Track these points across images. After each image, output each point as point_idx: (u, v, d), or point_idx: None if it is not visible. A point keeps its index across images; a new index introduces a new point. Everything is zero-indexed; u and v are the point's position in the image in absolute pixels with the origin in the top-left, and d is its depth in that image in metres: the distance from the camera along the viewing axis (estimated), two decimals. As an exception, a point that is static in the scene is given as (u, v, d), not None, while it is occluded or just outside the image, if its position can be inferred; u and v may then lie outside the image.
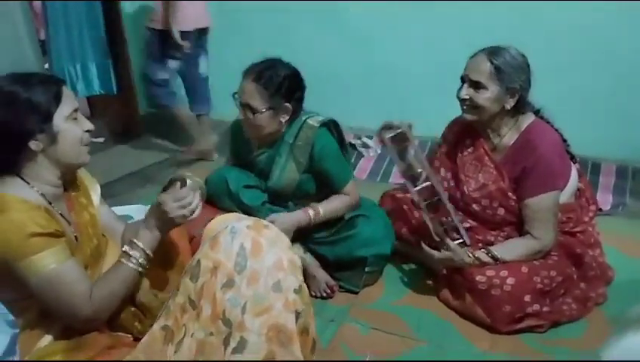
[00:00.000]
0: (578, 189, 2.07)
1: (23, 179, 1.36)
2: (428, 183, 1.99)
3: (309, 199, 2.13)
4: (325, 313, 2.01)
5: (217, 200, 2.12)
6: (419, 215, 2.23)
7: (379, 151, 3.42)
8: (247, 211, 2.07)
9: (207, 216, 1.73)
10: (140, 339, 1.37)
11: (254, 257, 1.30)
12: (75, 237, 1.43)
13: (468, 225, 2.07)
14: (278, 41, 3.34)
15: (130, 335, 1.49)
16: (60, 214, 1.41)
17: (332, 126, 2.13)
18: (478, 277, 1.89)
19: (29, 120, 1.31)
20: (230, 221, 1.42)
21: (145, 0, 3.02)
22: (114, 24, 3.52)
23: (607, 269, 2.11)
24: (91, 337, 1.39)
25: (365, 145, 3.47)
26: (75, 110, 1.39)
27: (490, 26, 2.98)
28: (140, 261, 1.41)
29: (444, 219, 2.02)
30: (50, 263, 1.28)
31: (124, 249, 1.42)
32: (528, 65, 1.93)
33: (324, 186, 2.12)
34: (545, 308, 1.88)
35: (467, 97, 1.93)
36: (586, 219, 2.08)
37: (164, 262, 1.60)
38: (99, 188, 1.62)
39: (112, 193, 2.73)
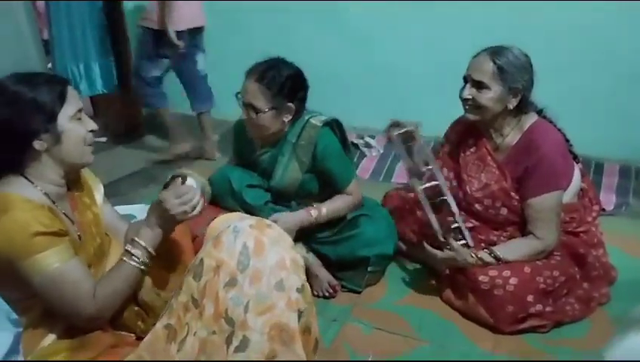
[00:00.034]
0: (581, 189, 2.07)
1: (26, 178, 1.37)
2: (434, 183, 1.99)
3: (311, 199, 2.13)
4: (328, 312, 2.01)
5: (220, 199, 2.13)
6: (421, 215, 2.23)
7: (381, 151, 3.42)
8: (250, 211, 2.07)
9: (210, 216, 1.74)
10: (143, 338, 1.37)
11: (257, 256, 1.30)
12: (79, 236, 1.44)
13: (470, 224, 2.07)
14: (280, 40, 3.35)
15: (133, 334, 1.50)
16: (64, 213, 1.41)
17: (335, 125, 2.13)
18: (481, 277, 1.89)
19: (33, 119, 1.32)
20: (233, 220, 1.42)
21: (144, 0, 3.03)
22: (116, 24, 3.52)
23: (610, 269, 2.10)
24: (94, 336, 1.39)
25: (368, 145, 3.47)
26: (80, 110, 1.40)
27: (492, 25, 2.98)
28: (141, 259, 1.41)
29: (448, 218, 2.01)
30: (54, 262, 1.29)
31: (126, 247, 1.43)
32: (531, 65, 1.92)
33: (327, 186, 2.12)
34: (548, 308, 1.88)
35: (470, 97, 1.93)
36: (589, 219, 2.08)
37: (167, 261, 1.61)
38: (102, 187, 1.63)
39: (115, 192, 2.73)
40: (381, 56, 3.50)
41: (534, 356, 1.82)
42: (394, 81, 3.51)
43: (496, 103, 1.91)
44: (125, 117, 3.77)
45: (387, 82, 3.54)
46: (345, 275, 2.15)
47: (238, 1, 3.68)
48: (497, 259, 1.91)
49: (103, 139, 3.62)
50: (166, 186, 1.51)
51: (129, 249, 1.41)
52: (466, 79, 1.96)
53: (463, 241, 1.98)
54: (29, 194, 1.33)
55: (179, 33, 3.06)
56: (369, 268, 2.11)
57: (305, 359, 1.31)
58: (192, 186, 1.46)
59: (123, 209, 2.25)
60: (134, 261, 1.40)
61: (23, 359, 1.42)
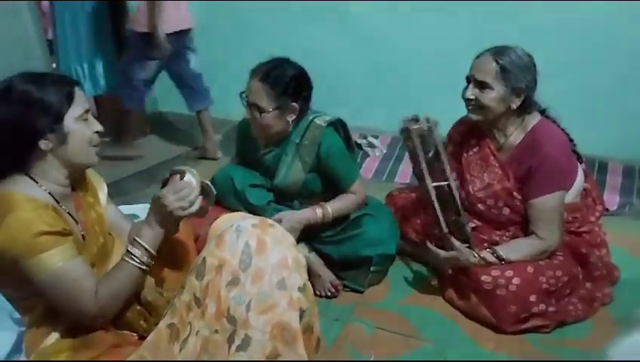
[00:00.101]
0: (584, 189, 2.07)
1: (31, 178, 1.37)
2: (444, 183, 1.97)
3: (314, 198, 2.13)
4: (330, 312, 2.01)
5: (223, 199, 2.13)
6: (424, 215, 2.23)
7: (384, 151, 3.42)
8: (253, 210, 2.07)
9: (213, 215, 1.74)
10: (146, 338, 1.37)
11: (259, 255, 1.30)
12: (83, 235, 1.44)
13: (473, 224, 2.06)
14: (284, 40, 3.36)
15: (135, 334, 1.50)
16: (68, 213, 1.41)
17: (339, 125, 2.13)
18: (484, 277, 1.89)
19: (40, 119, 1.32)
20: (236, 220, 1.43)
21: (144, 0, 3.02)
22: (120, 24, 3.52)
23: (613, 269, 2.10)
24: (97, 335, 1.40)
25: (371, 145, 3.46)
26: (87, 111, 1.40)
27: (496, 25, 2.98)
28: (142, 259, 1.41)
29: (453, 218, 2.01)
30: (58, 261, 1.29)
31: (127, 247, 1.43)
32: (534, 65, 1.92)
33: (331, 185, 2.12)
34: (550, 308, 1.88)
35: (473, 97, 1.93)
36: (592, 218, 2.07)
37: (169, 260, 1.61)
38: (106, 187, 1.63)
39: (118, 192, 2.73)
40: (385, 57, 3.50)
41: (537, 356, 1.82)
42: (397, 82, 3.51)
43: (499, 103, 1.91)
44: (129, 116, 3.77)
45: (390, 82, 3.54)
46: (347, 275, 2.15)
47: (243, 1, 3.68)
48: (500, 258, 1.91)
49: (106, 139, 3.63)
50: (165, 183, 1.51)
51: (130, 249, 1.42)
52: (468, 79, 1.96)
53: (467, 245, 1.98)
54: (34, 194, 1.33)
55: (168, 36, 3.05)
56: (372, 268, 2.11)
57: (306, 358, 1.31)
58: (190, 182, 1.45)
59: (126, 208, 2.25)
60: (135, 261, 1.40)
61: (25, 358, 1.43)
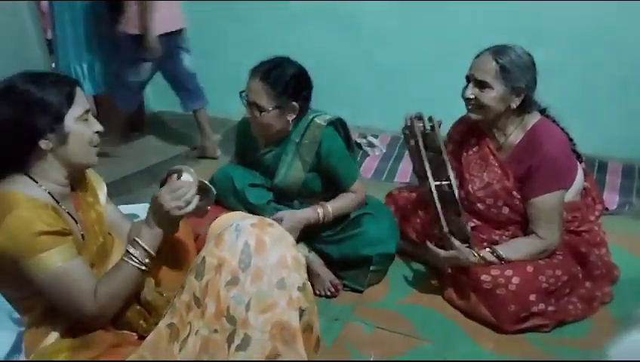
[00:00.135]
0: (584, 188, 2.07)
1: (31, 177, 1.37)
2: (446, 182, 1.97)
3: (314, 198, 2.13)
4: (329, 312, 2.01)
5: (223, 198, 2.12)
6: (424, 214, 2.23)
7: (384, 151, 3.42)
8: (253, 210, 2.07)
9: (213, 215, 1.74)
10: (145, 337, 1.37)
11: (258, 254, 1.30)
12: (82, 235, 1.44)
13: (473, 224, 2.06)
14: (285, 39, 3.36)
15: (135, 334, 1.50)
16: (67, 213, 1.41)
17: (339, 125, 2.13)
18: (483, 277, 1.89)
19: (40, 119, 1.32)
20: (235, 219, 1.43)
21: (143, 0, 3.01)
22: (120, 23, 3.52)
23: (612, 268, 2.10)
24: (97, 335, 1.40)
25: (371, 145, 3.46)
26: (87, 111, 1.40)
27: (496, 25, 2.98)
28: (142, 260, 1.41)
29: (453, 218, 2.01)
30: (57, 261, 1.29)
31: (127, 248, 1.43)
32: (534, 64, 1.92)
33: (331, 185, 2.12)
34: (550, 308, 1.88)
35: (472, 97, 1.93)
36: (592, 218, 2.07)
37: (169, 260, 1.61)
38: (105, 186, 1.63)
39: (117, 192, 2.73)
40: (385, 56, 3.49)
41: (536, 355, 1.82)
42: (397, 81, 3.51)
43: (498, 103, 1.91)
44: (128, 116, 3.77)
45: (390, 82, 3.54)
46: (347, 274, 2.15)
47: (244, 1, 3.67)
48: (500, 258, 1.91)
49: (106, 138, 3.63)
50: (164, 183, 1.51)
51: (129, 249, 1.42)
52: (468, 78, 1.96)
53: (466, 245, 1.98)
54: (34, 193, 1.33)
55: (158, 37, 3.03)
56: (371, 267, 2.11)
57: (306, 358, 1.31)
58: (186, 181, 1.45)
59: (126, 208, 2.25)
60: (134, 262, 1.40)
61: (25, 358, 1.43)
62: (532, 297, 1.85)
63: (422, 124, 1.99)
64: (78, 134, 1.38)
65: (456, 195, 1.94)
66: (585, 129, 2.17)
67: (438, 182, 1.96)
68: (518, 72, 1.88)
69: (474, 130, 2.09)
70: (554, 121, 2.00)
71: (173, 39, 3.14)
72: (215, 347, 1.28)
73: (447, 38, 3.29)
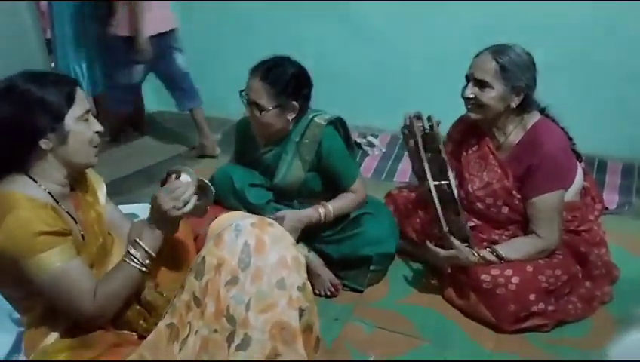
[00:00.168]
0: (584, 188, 2.07)
1: (31, 177, 1.37)
2: (445, 182, 1.97)
3: (314, 197, 2.13)
4: (329, 312, 2.01)
5: (222, 198, 2.12)
6: (424, 214, 2.23)
7: (384, 150, 3.42)
8: (253, 210, 2.07)
9: (212, 215, 1.74)
10: (145, 337, 1.37)
11: (258, 254, 1.30)
12: (82, 235, 1.44)
13: (472, 223, 2.06)
14: (285, 39, 3.34)
15: (135, 334, 1.50)
16: (67, 213, 1.41)
17: (339, 124, 2.13)
18: (483, 276, 1.89)
19: (40, 119, 1.32)
20: (235, 219, 1.43)
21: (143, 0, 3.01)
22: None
23: (612, 268, 2.10)
24: (97, 335, 1.40)
25: (370, 144, 3.46)
26: (87, 111, 1.40)
27: (497, 24, 2.97)
28: (142, 261, 1.41)
29: (452, 217, 2.01)
30: (56, 261, 1.29)
31: (127, 248, 1.43)
32: (534, 64, 1.92)
33: (331, 184, 2.12)
34: (550, 307, 1.88)
35: (472, 96, 1.93)
36: (592, 217, 2.07)
37: (169, 260, 1.61)
38: (105, 186, 1.63)
39: (117, 191, 2.73)
40: (385, 56, 3.49)
41: (536, 355, 1.82)
42: (397, 81, 3.51)
43: (498, 102, 1.91)
44: (127, 116, 3.77)
45: (390, 82, 3.54)
46: (347, 274, 2.15)
47: (244, 0, 3.67)
48: (500, 257, 1.91)
49: (105, 138, 3.63)
50: (163, 183, 1.51)
51: (129, 250, 1.42)
52: (468, 78, 1.95)
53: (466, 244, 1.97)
54: (33, 193, 1.33)
55: (149, 38, 3.03)
56: (371, 267, 2.11)
57: (306, 358, 1.31)
58: (184, 181, 1.45)
59: (126, 208, 2.25)
60: (135, 263, 1.40)
61: (25, 358, 1.43)
62: (532, 297, 1.85)
63: (421, 124, 1.99)
64: (78, 134, 1.38)
65: (456, 195, 1.94)
66: (585, 129, 2.17)
67: (437, 182, 1.96)
68: (517, 72, 1.87)
69: (473, 130, 2.09)
70: (554, 121, 2.00)
71: (164, 40, 3.14)
72: (215, 347, 1.28)
73: (447, 37, 3.29)
